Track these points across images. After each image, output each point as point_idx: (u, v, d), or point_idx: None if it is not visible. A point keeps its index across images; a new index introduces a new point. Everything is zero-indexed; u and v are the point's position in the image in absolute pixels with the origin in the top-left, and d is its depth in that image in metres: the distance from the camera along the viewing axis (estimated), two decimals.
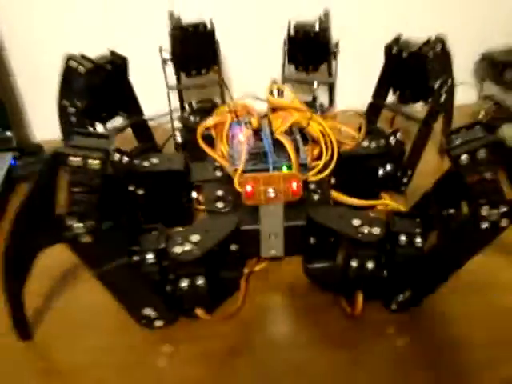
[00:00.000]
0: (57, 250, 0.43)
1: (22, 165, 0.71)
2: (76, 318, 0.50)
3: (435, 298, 0.48)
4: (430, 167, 0.66)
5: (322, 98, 0.73)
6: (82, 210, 0.39)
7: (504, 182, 0.42)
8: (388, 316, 0.48)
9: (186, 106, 0.72)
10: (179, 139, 0.67)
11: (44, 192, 0.40)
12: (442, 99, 0.61)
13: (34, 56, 0.78)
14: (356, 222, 0.46)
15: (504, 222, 0.41)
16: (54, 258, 0.46)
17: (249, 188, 0.46)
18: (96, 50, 0.61)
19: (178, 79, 0.71)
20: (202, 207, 0.59)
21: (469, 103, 0.84)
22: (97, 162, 0.38)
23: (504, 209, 0.41)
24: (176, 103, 0.72)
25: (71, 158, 0.37)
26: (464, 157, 0.40)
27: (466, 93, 0.82)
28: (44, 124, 0.79)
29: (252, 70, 0.80)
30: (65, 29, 0.78)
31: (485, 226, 0.41)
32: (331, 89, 0.72)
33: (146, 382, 0.45)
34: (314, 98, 0.72)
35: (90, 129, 0.60)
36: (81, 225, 0.40)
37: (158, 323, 0.47)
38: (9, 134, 0.74)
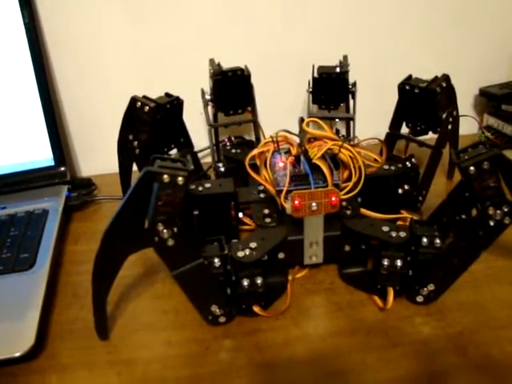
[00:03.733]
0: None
1: (76, 195, 0.78)
2: (146, 320, 0.56)
3: (452, 290, 0.54)
4: (441, 189, 0.72)
5: (341, 131, 0.80)
6: (168, 218, 0.46)
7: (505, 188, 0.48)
8: (415, 308, 0.55)
9: (226, 141, 0.78)
10: (222, 169, 0.72)
11: (137, 204, 0.46)
12: (450, 127, 0.67)
13: (81, 107, 0.85)
14: (385, 228, 0.54)
15: (507, 220, 0.48)
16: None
17: (296, 202, 0.53)
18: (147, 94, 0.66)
19: (216, 118, 0.77)
20: (247, 227, 0.66)
21: (471, 133, 0.89)
22: (182, 179, 0.46)
23: (506, 209, 0.48)
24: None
25: (163, 176, 0.45)
26: (472, 168, 0.48)
27: (469, 124, 0.87)
28: (88, 161, 0.90)
29: (278, 109, 0.85)
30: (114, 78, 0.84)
31: (492, 223, 0.49)
32: (348, 123, 0.77)
33: (212, 370, 0.50)
34: (337, 131, 0.78)
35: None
36: (166, 230, 0.47)
37: (222, 319, 0.53)
38: (63, 169, 0.80)
